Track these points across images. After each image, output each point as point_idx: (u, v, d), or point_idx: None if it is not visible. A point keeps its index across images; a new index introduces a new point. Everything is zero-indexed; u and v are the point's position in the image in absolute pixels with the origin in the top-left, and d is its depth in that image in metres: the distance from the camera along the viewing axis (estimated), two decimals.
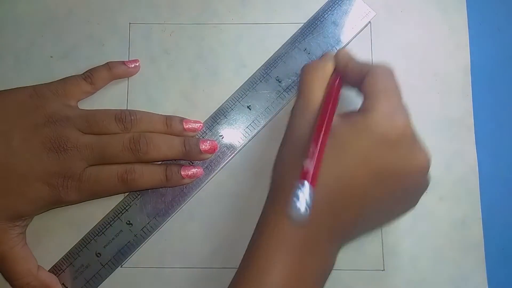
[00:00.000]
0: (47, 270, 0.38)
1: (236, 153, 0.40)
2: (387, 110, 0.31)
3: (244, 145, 0.40)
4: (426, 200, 0.39)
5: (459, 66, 0.41)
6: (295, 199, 0.29)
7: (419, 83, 0.41)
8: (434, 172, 0.39)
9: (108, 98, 0.41)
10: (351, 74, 0.35)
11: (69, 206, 0.39)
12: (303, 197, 0.29)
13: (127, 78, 0.41)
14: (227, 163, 0.40)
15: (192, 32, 0.42)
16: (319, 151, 0.30)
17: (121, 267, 0.39)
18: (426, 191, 0.39)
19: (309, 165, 0.30)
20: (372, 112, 0.31)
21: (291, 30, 0.42)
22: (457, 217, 0.39)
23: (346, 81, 0.35)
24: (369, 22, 0.42)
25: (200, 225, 0.39)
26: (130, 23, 0.42)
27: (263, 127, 0.40)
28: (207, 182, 0.39)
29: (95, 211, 0.39)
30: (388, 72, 0.33)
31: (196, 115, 0.40)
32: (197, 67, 0.42)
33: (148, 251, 0.39)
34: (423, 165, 0.32)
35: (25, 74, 0.41)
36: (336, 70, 0.36)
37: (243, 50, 0.42)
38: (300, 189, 0.29)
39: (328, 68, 0.36)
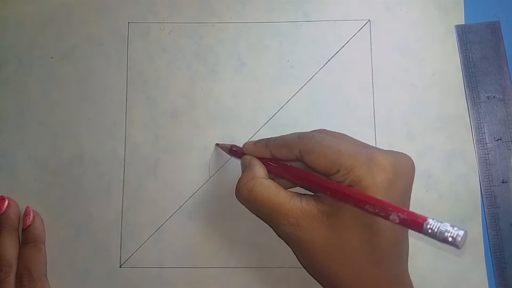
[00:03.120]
0: (47, 270, 0.38)
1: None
2: (362, 166, 0.30)
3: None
4: (425, 199, 0.39)
5: (457, 65, 0.41)
6: (447, 233, 0.26)
7: (418, 81, 0.41)
8: (434, 170, 0.39)
9: (108, 98, 0.41)
10: (281, 157, 0.34)
11: (69, 206, 0.39)
12: (445, 225, 0.26)
13: (126, 78, 0.41)
14: (226, 162, 0.40)
15: (191, 31, 0.42)
16: (382, 203, 0.28)
17: (121, 267, 0.39)
18: (426, 190, 0.39)
19: (400, 215, 0.27)
20: (355, 179, 0.30)
21: (290, 29, 0.42)
22: (456, 216, 0.39)
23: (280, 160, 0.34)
24: (368, 20, 0.42)
25: (200, 225, 0.39)
26: (129, 23, 0.42)
27: (263, 126, 0.40)
28: (207, 182, 0.39)
29: (95, 211, 0.39)
30: (320, 137, 0.32)
31: (194, 114, 0.40)
32: (195, 66, 0.41)
33: (148, 251, 0.39)
34: (412, 167, 0.32)
35: (27, 75, 0.42)
36: (265, 160, 0.35)
37: (242, 48, 0.42)
38: (433, 224, 0.26)
39: (257, 171, 0.34)
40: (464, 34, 0.41)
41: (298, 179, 0.33)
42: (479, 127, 0.40)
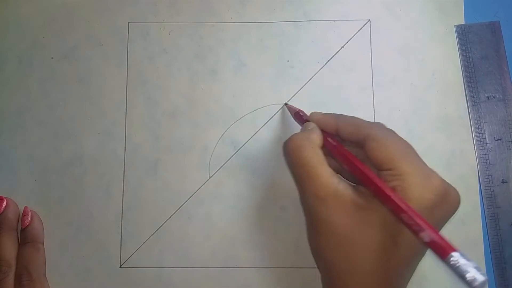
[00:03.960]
0: (47, 270, 0.38)
1: (236, 153, 0.40)
2: (417, 177, 0.29)
3: (244, 145, 0.40)
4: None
5: (457, 65, 0.41)
6: (469, 274, 0.25)
7: (418, 81, 0.41)
8: (434, 170, 0.39)
9: (107, 98, 0.41)
10: (345, 134, 0.32)
11: (69, 206, 0.39)
12: (469, 264, 0.25)
13: (126, 78, 0.41)
14: (226, 162, 0.40)
15: (191, 31, 0.42)
16: (420, 219, 0.27)
17: (121, 267, 0.39)
18: None
19: (432, 235, 0.26)
20: (404, 185, 0.29)
21: (290, 29, 0.42)
22: (456, 216, 0.39)
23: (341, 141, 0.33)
24: (368, 20, 0.42)
25: (200, 225, 0.39)
26: (129, 22, 0.42)
27: (263, 126, 0.40)
28: (207, 182, 0.39)
29: (95, 211, 0.39)
30: (390, 133, 0.31)
31: (194, 114, 0.40)
32: (196, 66, 0.41)
33: (148, 251, 0.39)
34: (458, 204, 0.31)
35: (27, 75, 0.42)
36: (325, 135, 0.33)
37: (242, 49, 0.42)
38: (457, 261, 0.25)
39: (315, 137, 0.32)
40: (464, 34, 0.41)
41: (348, 164, 0.31)
42: (479, 127, 0.40)
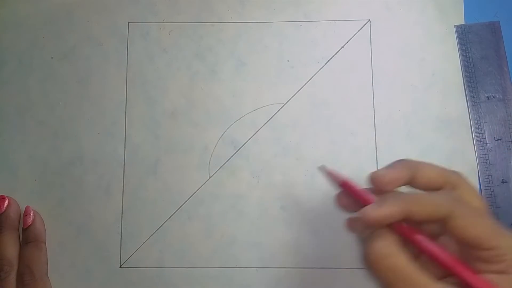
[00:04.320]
0: (47, 269, 0.38)
1: (236, 153, 0.40)
2: None
3: (244, 145, 0.40)
4: None
5: (457, 65, 0.41)
6: None
7: (418, 82, 0.41)
8: None
9: (107, 98, 0.41)
10: (421, 218, 0.26)
11: (69, 206, 0.39)
12: None
13: (125, 78, 0.41)
14: (226, 162, 0.40)
15: (191, 31, 0.42)
16: None
17: (121, 267, 0.39)
18: None
19: None
20: None
21: (290, 29, 0.42)
22: None
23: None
24: (368, 20, 0.42)
25: (200, 225, 0.39)
26: (128, 22, 0.42)
27: (263, 126, 0.40)
28: (207, 182, 0.39)
29: (95, 211, 0.39)
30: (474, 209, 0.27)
31: (194, 114, 0.40)
32: (195, 65, 0.41)
33: (148, 251, 0.39)
34: None
35: (27, 75, 0.42)
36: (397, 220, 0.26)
37: (242, 48, 0.42)
38: None
39: (390, 240, 0.26)
40: (464, 34, 0.41)
41: (444, 265, 0.26)
42: (479, 127, 0.40)
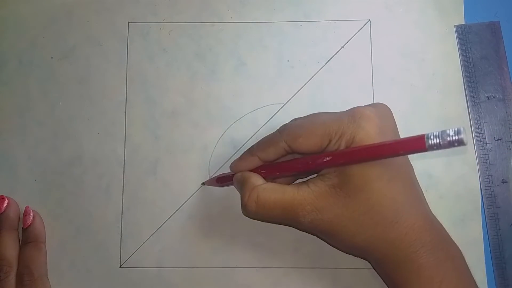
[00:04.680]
0: (46, 269, 0.38)
1: (236, 153, 0.40)
2: (349, 128, 0.31)
3: (244, 145, 0.40)
4: (426, 199, 0.39)
5: (457, 65, 0.41)
6: (449, 138, 0.26)
7: (418, 82, 0.41)
8: (434, 170, 0.39)
9: (107, 98, 0.41)
10: (270, 157, 0.34)
11: (69, 206, 0.39)
12: (443, 133, 0.26)
13: (125, 78, 0.41)
14: (226, 162, 0.40)
15: (191, 31, 0.42)
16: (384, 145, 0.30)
17: (121, 267, 0.39)
18: (426, 190, 0.39)
19: (405, 142, 0.28)
20: (348, 137, 0.31)
21: (290, 29, 0.42)
22: (456, 216, 0.39)
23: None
24: (369, 20, 0.42)
25: (200, 225, 0.39)
26: (129, 22, 0.42)
27: (263, 126, 0.40)
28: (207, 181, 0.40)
29: (95, 211, 0.39)
30: (292, 125, 0.34)
31: (194, 114, 0.40)
32: (195, 65, 0.41)
33: (148, 251, 0.39)
34: (390, 110, 0.35)
35: (27, 75, 0.42)
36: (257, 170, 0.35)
37: (242, 48, 0.42)
38: (433, 138, 0.26)
39: (254, 180, 0.34)
40: (464, 34, 0.41)
41: (297, 168, 0.33)
42: (479, 127, 0.40)
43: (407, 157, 0.34)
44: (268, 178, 0.34)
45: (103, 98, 0.41)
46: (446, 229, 0.39)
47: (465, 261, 0.32)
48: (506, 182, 0.39)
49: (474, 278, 0.38)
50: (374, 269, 0.35)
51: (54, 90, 0.41)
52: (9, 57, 0.42)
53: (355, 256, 0.36)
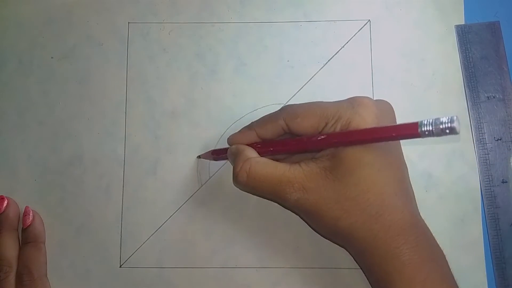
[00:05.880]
0: (47, 269, 0.38)
1: None
2: (347, 109, 0.32)
3: None
4: (426, 199, 0.39)
5: (457, 65, 0.41)
6: (442, 125, 0.26)
7: (418, 82, 0.41)
8: (434, 170, 0.39)
9: (107, 98, 0.41)
10: (268, 135, 0.34)
11: (69, 206, 0.39)
12: (436, 120, 0.26)
13: (125, 78, 0.41)
14: (226, 162, 0.40)
15: (191, 31, 0.42)
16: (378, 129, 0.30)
17: (121, 267, 0.39)
18: (426, 190, 0.39)
19: (399, 128, 0.28)
20: (344, 122, 0.32)
21: (290, 29, 0.42)
22: (456, 215, 0.39)
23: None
24: (368, 20, 0.42)
25: (200, 225, 0.39)
26: (129, 22, 0.42)
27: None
28: (207, 181, 0.39)
29: (95, 211, 0.39)
30: (295, 105, 0.34)
31: (194, 114, 0.40)
32: (195, 65, 0.41)
33: (148, 251, 0.39)
34: (391, 107, 0.35)
35: (27, 75, 0.42)
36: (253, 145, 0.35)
37: (242, 48, 0.42)
38: (426, 124, 0.27)
39: (248, 153, 0.34)
40: (464, 34, 0.41)
41: (292, 145, 0.33)
42: (479, 127, 0.40)
43: (402, 155, 0.34)
44: (262, 154, 0.35)
45: (103, 98, 0.41)
46: (445, 230, 0.39)
47: (448, 264, 0.32)
48: (506, 182, 0.39)
49: (474, 278, 0.38)
50: (354, 260, 0.35)
51: (54, 90, 0.41)
52: (9, 57, 0.42)
53: (336, 243, 0.36)
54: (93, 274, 0.39)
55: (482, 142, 0.40)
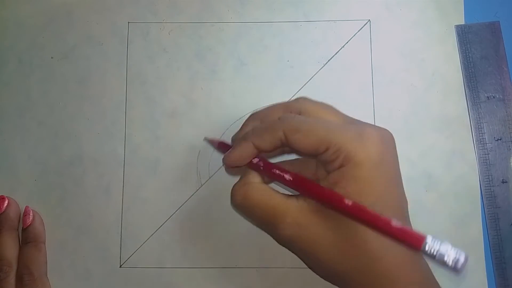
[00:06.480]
0: (47, 269, 0.38)
1: None
2: (354, 141, 0.30)
3: None
4: (425, 198, 0.39)
5: (457, 65, 0.41)
6: (447, 257, 0.25)
7: (418, 82, 0.41)
8: (434, 170, 0.39)
9: (107, 98, 0.41)
10: (268, 147, 0.31)
11: (69, 206, 0.39)
12: (444, 246, 0.25)
13: (125, 78, 0.41)
14: None
15: (191, 31, 0.42)
16: (382, 219, 0.28)
17: (121, 267, 0.39)
18: (426, 190, 0.39)
19: (403, 225, 0.27)
20: (350, 155, 0.29)
21: (290, 29, 0.42)
22: (456, 216, 0.39)
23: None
24: (368, 20, 0.42)
25: (200, 225, 0.39)
26: (129, 22, 0.42)
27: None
28: (207, 181, 0.39)
29: (95, 211, 0.39)
30: (301, 118, 0.31)
31: (194, 114, 0.40)
32: (195, 65, 0.41)
33: (148, 251, 0.39)
34: (393, 138, 0.32)
35: (27, 75, 0.42)
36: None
37: (242, 48, 0.42)
38: (431, 245, 0.25)
39: (251, 176, 0.33)
40: (464, 34, 0.41)
41: (305, 190, 0.31)
42: (479, 127, 0.40)
43: (403, 191, 0.31)
44: (267, 178, 0.33)
45: (103, 98, 0.41)
46: (445, 230, 0.39)
47: None
48: (506, 182, 0.39)
49: (474, 278, 0.38)
50: None
51: (54, 90, 0.41)
52: (9, 57, 0.42)
53: (334, 284, 0.32)
54: (93, 274, 0.39)
55: (482, 142, 0.40)
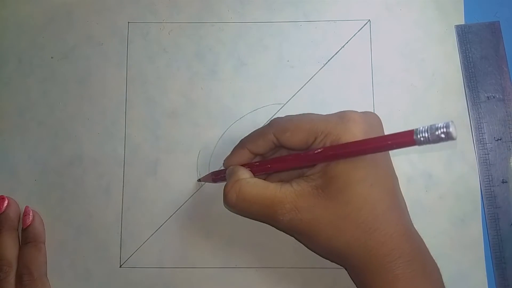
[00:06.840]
0: (47, 270, 0.38)
1: None
2: (338, 125, 0.32)
3: None
4: (426, 199, 0.39)
5: (457, 65, 0.41)
6: (438, 131, 0.26)
7: (418, 82, 0.41)
8: (434, 170, 0.39)
9: (107, 98, 0.41)
10: (261, 150, 0.34)
11: (69, 206, 0.39)
12: (432, 127, 0.26)
13: (125, 78, 0.41)
14: None
15: (191, 31, 0.42)
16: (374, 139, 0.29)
17: (121, 267, 0.39)
18: (426, 190, 0.39)
19: (393, 137, 0.28)
20: (334, 138, 0.31)
21: (290, 29, 0.42)
22: (456, 216, 0.39)
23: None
24: (368, 20, 0.42)
25: (200, 225, 0.39)
26: (128, 22, 0.42)
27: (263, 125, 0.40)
28: (207, 182, 0.39)
29: (95, 211, 0.39)
30: (286, 118, 0.34)
31: (194, 114, 0.40)
32: (195, 65, 0.41)
33: (148, 251, 0.39)
34: (380, 120, 0.35)
35: (27, 75, 0.42)
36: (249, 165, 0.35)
37: (242, 48, 0.42)
38: (422, 131, 0.26)
39: (241, 173, 0.34)
40: (464, 34, 0.41)
41: (288, 162, 0.33)
42: (479, 127, 0.40)
43: (393, 167, 0.33)
44: (260, 173, 0.34)
45: (103, 98, 0.41)
46: (445, 230, 0.39)
47: (441, 278, 0.32)
48: (506, 182, 0.39)
49: (474, 278, 0.38)
50: (349, 275, 0.34)
51: (54, 90, 0.41)
52: (9, 57, 0.42)
53: (332, 261, 0.35)
54: (93, 274, 0.39)
55: (482, 142, 0.40)
